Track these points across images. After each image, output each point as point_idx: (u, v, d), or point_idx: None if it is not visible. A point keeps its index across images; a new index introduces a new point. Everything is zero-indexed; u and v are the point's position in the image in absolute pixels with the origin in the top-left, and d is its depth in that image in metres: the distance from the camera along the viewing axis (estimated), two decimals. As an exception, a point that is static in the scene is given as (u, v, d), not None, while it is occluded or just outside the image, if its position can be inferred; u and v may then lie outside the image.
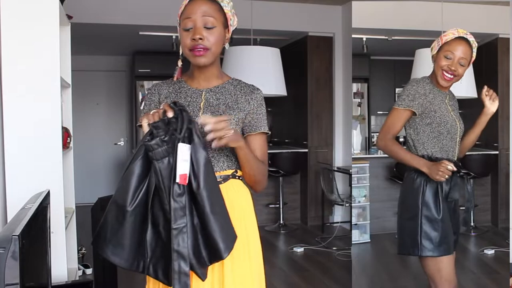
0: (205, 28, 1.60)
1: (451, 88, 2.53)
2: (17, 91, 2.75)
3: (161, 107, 1.49)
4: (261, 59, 4.41)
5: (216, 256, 1.48)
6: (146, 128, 1.46)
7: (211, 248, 1.47)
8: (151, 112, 1.49)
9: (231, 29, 1.70)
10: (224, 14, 1.65)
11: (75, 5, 3.72)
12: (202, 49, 1.60)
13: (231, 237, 1.50)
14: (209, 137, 1.49)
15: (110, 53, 7.69)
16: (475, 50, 2.41)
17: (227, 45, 1.69)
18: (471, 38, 2.39)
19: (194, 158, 1.43)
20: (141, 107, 1.75)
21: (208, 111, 1.66)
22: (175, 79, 1.72)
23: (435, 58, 2.44)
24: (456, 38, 2.38)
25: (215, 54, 1.65)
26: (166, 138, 1.42)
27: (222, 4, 1.65)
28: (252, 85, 1.76)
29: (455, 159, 2.45)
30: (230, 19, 1.68)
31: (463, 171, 2.54)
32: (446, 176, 2.28)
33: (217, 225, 1.45)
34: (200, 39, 1.59)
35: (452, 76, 2.38)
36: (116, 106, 7.98)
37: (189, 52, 1.63)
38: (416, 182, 2.41)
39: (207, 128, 1.48)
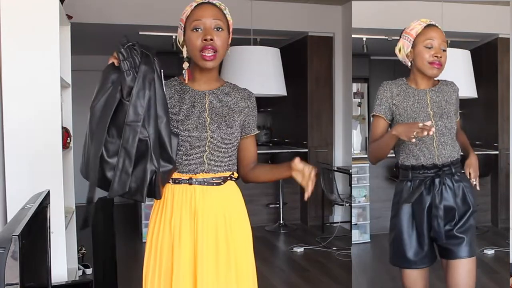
0: (215, 30, 1.69)
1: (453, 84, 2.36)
2: (17, 91, 2.75)
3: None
4: (261, 59, 4.40)
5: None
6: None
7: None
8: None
9: (231, 36, 1.79)
10: (227, 21, 1.75)
11: (75, 5, 3.72)
12: (211, 51, 1.67)
13: None
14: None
15: (110, 53, 7.54)
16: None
17: (229, 50, 1.78)
18: (439, 25, 2.27)
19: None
20: None
21: (213, 112, 1.74)
22: (186, 81, 1.77)
23: (412, 55, 2.28)
24: (426, 26, 2.23)
25: (221, 57, 1.73)
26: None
27: (225, 12, 1.75)
28: (246, 89, 1.85)
29: (432, 163, 2.25)
30: (231, 27, 1.78)
31: (456, 174, 2.26)
32: (421, 134, 1.96)
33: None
34: (211, 39, 1.66)
35: (440, 64, 2.21)
36: (116, 106, 7.96)
37: (198, 53, 1.69)
38: (398, 188, 2.39)
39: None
